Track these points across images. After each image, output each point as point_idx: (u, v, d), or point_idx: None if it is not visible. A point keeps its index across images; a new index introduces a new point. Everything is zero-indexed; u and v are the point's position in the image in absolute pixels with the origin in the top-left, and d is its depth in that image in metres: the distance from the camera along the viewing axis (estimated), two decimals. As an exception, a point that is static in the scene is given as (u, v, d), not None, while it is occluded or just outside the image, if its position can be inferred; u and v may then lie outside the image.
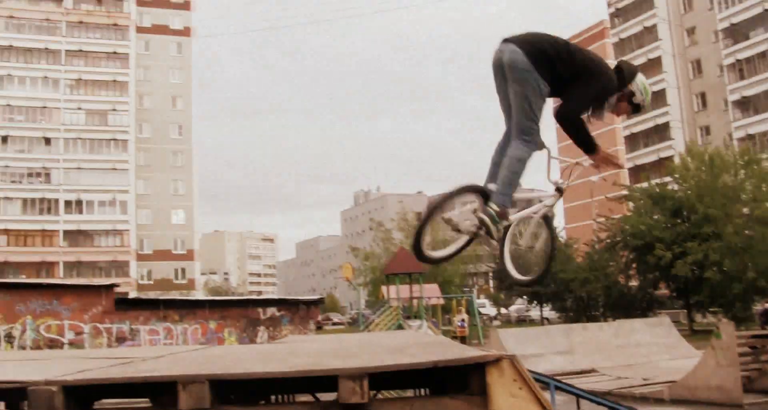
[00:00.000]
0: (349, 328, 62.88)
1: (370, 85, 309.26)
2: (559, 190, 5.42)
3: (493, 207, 4.75)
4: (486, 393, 3.46)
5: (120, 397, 4.05)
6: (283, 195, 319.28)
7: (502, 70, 4.96)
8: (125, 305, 24.19)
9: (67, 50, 79.97)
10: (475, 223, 4.81)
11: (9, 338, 22.10)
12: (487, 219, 4.72)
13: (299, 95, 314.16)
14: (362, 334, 16.07)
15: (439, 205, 4.71)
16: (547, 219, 5.49)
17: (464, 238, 5.02)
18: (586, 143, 5.14)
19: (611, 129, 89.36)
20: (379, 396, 5.18)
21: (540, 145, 5.11)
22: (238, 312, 24.56)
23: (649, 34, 77.51)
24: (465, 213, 4.94)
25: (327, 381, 3.42)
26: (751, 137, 63.46)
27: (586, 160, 5.48)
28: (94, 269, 77.25)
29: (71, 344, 22.24)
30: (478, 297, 63.74)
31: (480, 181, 5.04)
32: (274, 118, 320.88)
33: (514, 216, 5.10)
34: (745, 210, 39.59)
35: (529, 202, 5.47)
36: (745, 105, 66.89)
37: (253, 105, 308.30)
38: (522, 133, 4.91)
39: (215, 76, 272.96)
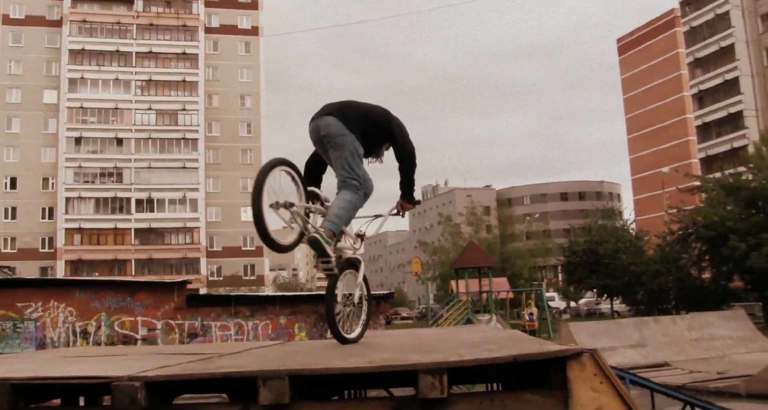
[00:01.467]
0: (418, 323, 62.92)
1: (437, 81, 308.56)
2: (360, 236, 5.77)
3: (322, 230, 5.12)
4: (566, 387, 3.43)
5: (200, 393, 4.10)
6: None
7: (321, 142, 5.51)
8: (197, 301, 24.49)
9: (137, 52, 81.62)
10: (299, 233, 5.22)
11: (84, 334, 22.55)
12: (318, 237, 5.00)
13: (367, 91, 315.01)
14: (437, 329, 16.07)
15: (263, 178, 4.88)
16: (354, 263, 5.67)
17: (296, 234, 5.27)
18: (413, 183, 5.73)
19: (683, 119, 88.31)
20: (452, 391, 5.16)
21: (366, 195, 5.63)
22: (308, 307, 24.69)
23: (722, 21, 76.03)
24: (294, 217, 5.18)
25: (403, 376, 3.42)
26: (828, 125, 61.97)
27: (386, 210, 6.05)
28: (165, 266, 78.53)
29: (144, 340, 22.61)
30: (548, 291, 63.33)
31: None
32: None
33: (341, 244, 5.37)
34: (823, 199, 38.73)
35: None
36: (822, 91, 65.30)
37: (320, 101, 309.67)
38: (350, 186, 5.38)
39: (284, 74, 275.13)
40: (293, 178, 5.24)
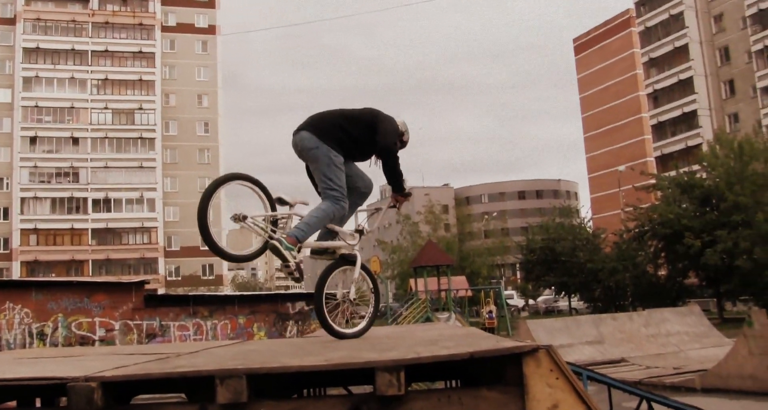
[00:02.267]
0: (377, 321, 62.81)
1: (396, 80, 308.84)
2: (360, 232, 5.94)
3: (285, 236, 5.24)
4: (522, 383, 3.46)
5: (158, 393, 4.09)
6: (310, 189, 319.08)
7: (302, 157, 5.71)
8: (155, 302, 24.31)
9: (93, 50, 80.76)
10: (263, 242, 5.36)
11: (41, 336, 22.30)
12: (277, 244, 5.15)
13: (324, 90, 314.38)
14: (395, 327, 16.11)
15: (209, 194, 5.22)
16: (349, 259, 5.76)
17: (260, 243, 5.42)
18: (400, 184, 5.86)
19: (638, 118, 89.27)
20: (410, 388, 5.19)
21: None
22: (267, 307, 24.62)
23: (676, 21, 77.00)
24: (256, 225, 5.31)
25: (361, 374, 3.43)
26: (780, 124, 62.94)
27: (385, 203, 6.23)
28: (123, 266, 77.87)
29: (102, 341, 22.41)
30: (506, 289, 63.66)
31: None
32: (300, 114, 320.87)
33: (311, 243, 5.53)
34: (776, 197, 39.27)
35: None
36: (775, 91, 66.32)
37: (279, 101, 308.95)
38: (330, 197, 5.52)
39: (242, 73, 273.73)
40: (252, 190, 5.35)
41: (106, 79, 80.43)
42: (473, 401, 3.50)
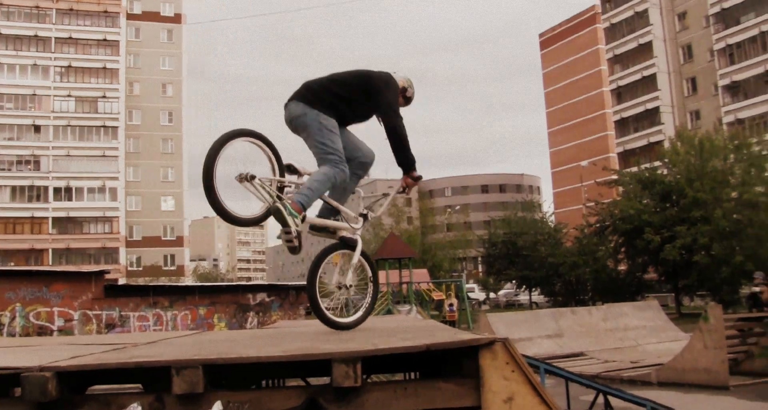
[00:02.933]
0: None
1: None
2: (364, 216, 5.64)
3: (289, 201, 4.87)
4: (479, 375, 3.48)
5: (113, 383, 4.06)
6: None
7: (294, 130, 5.43)
8: (115, 292, 24.18)
9: (57, 37, 79.72)
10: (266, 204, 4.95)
11: (-1, 325, 22.09)
12: (281, 206, 4.78)
13: (290, 80, 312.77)
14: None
15: (218, 148, 4.67)
16: (349, 243, 5.50)
17: (264, 208, 5.02)
18: (408, 157, 5.47)
19: (602, 114, 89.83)
20: (371, 380, 5.20)
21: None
22: (227, 298, 24.56)
23: (640, 19, 77.56)
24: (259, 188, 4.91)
25: (319, 365, 3.44)
26: (740, 122, 63.64)
27: (393, 189, 5.81)
28: (84, 256, 77.15)
29: (61, 331, 22.23)
30: (468, 282, 63.85)
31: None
32: (265, 105, 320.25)
33: (312, 218, 5.24)
34: (734, 194, 39.71)
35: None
36: (735, 90, 67.04)
37: (245, 91, 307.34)
38: (328, 161, 5.18)
39: (207, 63, 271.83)
40: (263, 150, 5.04)
41: (70, 66, 79.48)
42: (429, 392, 3.52)
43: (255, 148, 4.96)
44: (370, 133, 5.76)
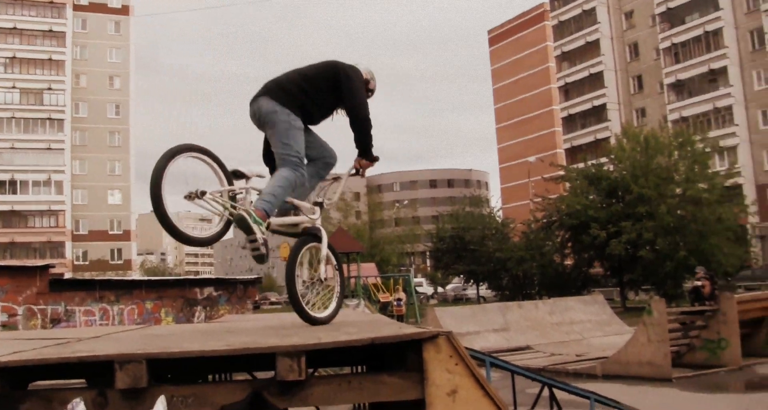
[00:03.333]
0: (287, 308, 62.49)
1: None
2: (320, 204, 5.60)
3: (252, 208, 4.78)
4: (422, 369, 3.51)
5: (56, 378, 4.03)
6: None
7: (259, 123, 5.36)
8: (60, 286, 23.90)
9: (0, 28, 78.19)
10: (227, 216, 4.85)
11: (-60, 320, 21.73)
12: (245, 215, 4.68)
13: (240, 75, 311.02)
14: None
15: (162, 167, 4.46)
16: (314, 234, 5.42)
17: (223, 221, 4.91)
18: (369, 141, 5.45)
19: (549, 110, 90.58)
20: (319, 373, 5.21)
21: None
22: (175, 292, 24.43)
23: (588, 17, 78.33)
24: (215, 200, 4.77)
25: (264, 359, 3.44)
26: (684, 119, 64.63)
27: (345, 171, 5.76)
28: (29, 250, 76.09)
29: (4, 326, 21.91)
30: (416, 276, 64.06)
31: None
32: (214, 99, 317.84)
33: (276, 220, 5.08)
34: (678, 190, 40.29)
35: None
36: (680, 88, 68.01)
37: (193, 85, 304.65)
38: (289, 163, 5.13)
39: (155, 56, 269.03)
40: (206, 163, 4.84)
41: (14, 57, 78.12)
42: (373, 386, 3.55)
43: (197, 162, 4.77)
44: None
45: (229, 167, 4.96)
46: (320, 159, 5.58)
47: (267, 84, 5.40)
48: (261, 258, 4.89)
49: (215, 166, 4.87)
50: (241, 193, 4.97)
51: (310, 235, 5.36)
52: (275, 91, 5.27)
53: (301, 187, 5.31)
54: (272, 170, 5.36)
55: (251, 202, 4.91)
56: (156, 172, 4.41)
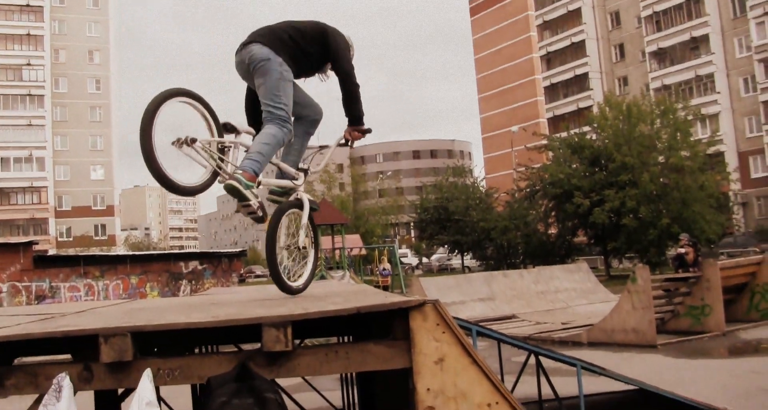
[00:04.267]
0: (272, 280, 62.71)
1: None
2: (304, 171, 5.43)
3: (240, 172, 4.62)
4: (409, 338, 3.51)
5: (41, 354, 4.01)
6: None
7: (248, 73, 5.06)
8: (44, 263, 23.83)
9: (-24, 2, 77.54)
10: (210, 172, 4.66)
11: (-77, 297, 21.67)
12: (235, 183, 4.55)
13: (219, 49, 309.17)
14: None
15: (153, 111, 4.25)
16: (296, 202, 5.30)
17: (209, 172, 4.68)
18: (360, 110, 5.25)
19: (532, 80, 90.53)
20: (306, 345, 5.21)
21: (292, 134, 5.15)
22: (159, 266, 24.39)
23: (570, -14, 78.24)
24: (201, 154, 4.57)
25: (250, 330, 3.43)
26: (666, 88, 64.71)
27: (331, 144, 5.66)
28: (12, 227, 75.83)
29: (-11, 303, 21.87)
30: (400, 247, 64.17)
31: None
32: (196, 71, 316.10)
33: (265, 180, 4.93)
34: (661, 158, 40.37)
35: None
36: (662, 56, 68.09)
37: (173, 58, 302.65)
38: (276, 118, 4.90)
39: (136, 30, 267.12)
40: (198, 110, 4.66)
41: (-9, 32, 77.54)
42: (360, 355, 3.54)
43: (189, 108, 4.60)
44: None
45: (221, 119, 4.81)
46: (306, 116, 5.42)
47: (258, 30, 5.16)
48: (259, 220, 4.85)
49: (207, 114, 4.71)
50: (230, 146, 4.81)
51: (292, 201, 5.24)
52: (269, 38, 5.02)
53: (288, 145, 5.20)
54: (254, 126, 5.11)
55: (237, 158, 4.78)
56: (147, 114, 4.22)
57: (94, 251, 60.42)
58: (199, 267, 24.56)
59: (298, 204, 5.28)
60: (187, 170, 4.56)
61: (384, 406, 4.99)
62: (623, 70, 74.13)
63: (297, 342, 3.68)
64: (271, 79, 4.91)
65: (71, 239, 78.88)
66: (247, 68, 5.02)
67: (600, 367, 8.00)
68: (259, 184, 4.78)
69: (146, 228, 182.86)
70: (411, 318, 3.51)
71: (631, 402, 9.45)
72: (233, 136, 4.86)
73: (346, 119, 5.30)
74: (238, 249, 29.55)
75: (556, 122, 74.83)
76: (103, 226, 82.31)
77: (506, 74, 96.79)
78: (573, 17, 77.65)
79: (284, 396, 7.55)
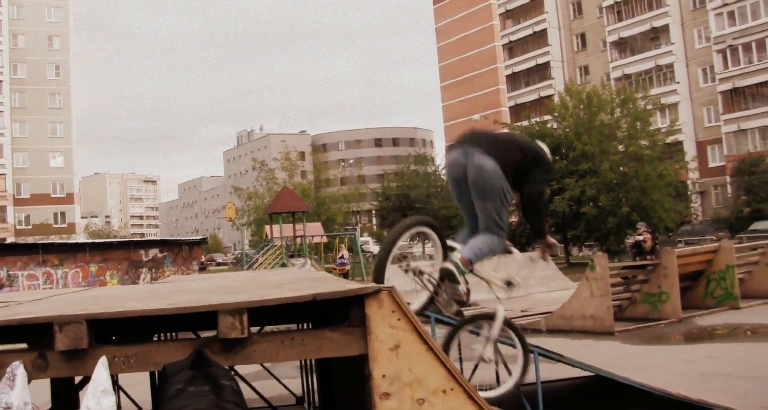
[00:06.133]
0: (233, 268, 62.62)
1: (261, 25, 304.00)
2: (509, 284, 5.86)
3: (457, 255, 4.97)
4: (365, 324, 3.53)
5: (-4, 342, 3.99)
6: (165, 135, 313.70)
7: (472, 183, 5.20)
8: (2, 251, 23.64)
9: (-70, -13, 76.25)
10: (434, 278, 5.06)
11: None
12: (451, 266, 4.90)
13: (184, 34, 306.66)
14: (246, 272, 16.09)
15: (397, 237, 4.94)
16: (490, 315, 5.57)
17: (424, 295, 5.13)
18: (544, 225, 5.74)
19: (493, 68, 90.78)
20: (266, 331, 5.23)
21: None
22: (119, 254, 24.25)
23: (532, -25, 78.52)
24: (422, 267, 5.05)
25: (207, 317, 3.44)
26: (627, 77, 65.29)
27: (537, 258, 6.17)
28: (-32, 215, 74.91)
29: (-55, 292, 21.63)
30: (362, 235, 64.22)
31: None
32: (158, 58, 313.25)
33: (480, 271, 5.29)
34: (621, 147, 40.74)
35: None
36: (622, 45, 68.69)
37: (137, 44, 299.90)
38: (498, 232, 5.25)
39: (96, 15, 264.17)
40: (431, 239, 5.18)
41: (-54, 17, 76.36)
42: (317, 342, 3.56)
43: (425, 234, 5.10)
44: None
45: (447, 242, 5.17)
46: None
47: (485, 137, 5.31)
48: (462, 304, 5.16)
49: (437, 241, 5.19)
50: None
51: (483, 314, 5.58)
52: (499, 154, 5.09)
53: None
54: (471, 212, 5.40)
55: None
56: (387, 242, 4.94)
57: (54, 239, 59.88)
58: (160, 255, 24.45)
59: (491, 317, 5.57)
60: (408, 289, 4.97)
61: (343, 393, 5.03)
62: (584, 60, 74.66)
63: (257, 329, 3.69)
64: (493, 196, 5.14)
65: (30, 227, 78.03)
66: (466, 175, 5.22)
67: (557, 354, 8.10)
68: (471, 270, 5.11)
69: (107, 216, 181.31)
70: (367, 305, 3.53)
71: (588, 388, 9.58)
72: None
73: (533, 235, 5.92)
74: (198, 237, 29.49)
75: (517, 111, 75.11)
76: (63, 214, 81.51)
77: (468, 62, 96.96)
78: (535, 6, 77.99)
79: (244, 384, 7.57)
